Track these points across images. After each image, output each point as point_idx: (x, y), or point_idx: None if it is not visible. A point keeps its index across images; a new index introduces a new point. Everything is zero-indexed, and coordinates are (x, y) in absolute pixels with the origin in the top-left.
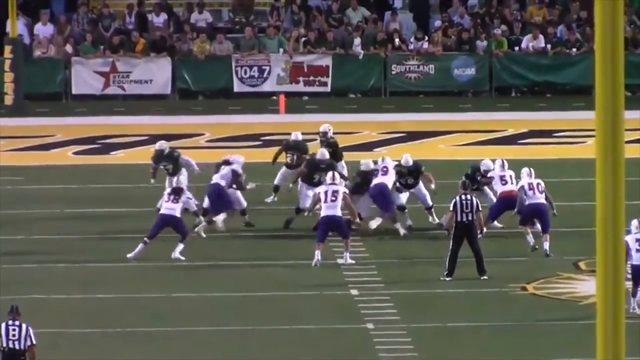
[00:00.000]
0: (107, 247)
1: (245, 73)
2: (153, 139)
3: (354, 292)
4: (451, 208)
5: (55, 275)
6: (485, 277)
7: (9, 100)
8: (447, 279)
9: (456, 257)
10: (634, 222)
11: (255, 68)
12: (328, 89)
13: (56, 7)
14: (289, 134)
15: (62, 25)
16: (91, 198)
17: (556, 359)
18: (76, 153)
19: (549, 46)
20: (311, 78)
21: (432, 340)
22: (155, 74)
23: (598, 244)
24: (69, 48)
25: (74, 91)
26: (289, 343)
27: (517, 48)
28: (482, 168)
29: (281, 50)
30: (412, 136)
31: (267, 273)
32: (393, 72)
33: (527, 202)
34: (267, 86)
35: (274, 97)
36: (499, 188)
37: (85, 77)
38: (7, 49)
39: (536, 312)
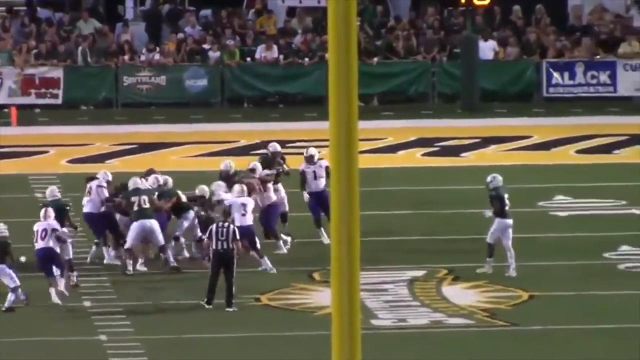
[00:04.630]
0: None
1: None
2: None
3: (87, 304)
4: (207, 236)
5: None
6: (231, 309)
7: None
8: (207, 306)
9: (215, 286)
10: (236, 187)
11: None
12: (59, 101)
13: None
14: (22, 146)
15: None
16: None
17: None
18: None
19: (282, 57)
20: (42, 90)
21: (166, 352)
22: None
23: (333, 254)
24: None
25: None
26: (21, 355)
27: (248, 58)
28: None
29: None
30: (144, 148)
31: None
32: (125, 84)
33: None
34: None
35: (6, 110)
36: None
37: None
38: None
39: (270, 323)
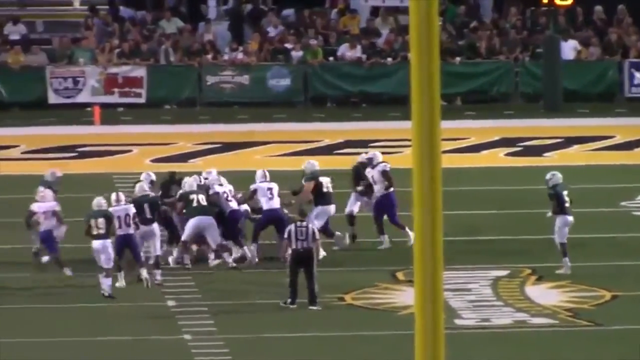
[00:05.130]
0: None
1: (60, 84)
2: None
3: (171, 303)
4: (285, 236)
5: None
6: (314, 308)
7: None
8: (291, 306)
9: (296, 285)
10: (259, 172)
11: (70, 79)
12: (143, 100)
13: None
14: (105, 144)
15: None
16: None
17: None
18: None
19: (364, 56)
20: (126, 89)
21: (249, 351)
22: None
23: (416, 254)
24: None
25: None
26: (105, 355)
27: (331, 58)
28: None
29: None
30: (228, 147)
31: (78, 285)
32: (208, 83)
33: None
34: (82, 97)
35: (89, 109)
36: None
37: None
38: None
39: (354, 322)
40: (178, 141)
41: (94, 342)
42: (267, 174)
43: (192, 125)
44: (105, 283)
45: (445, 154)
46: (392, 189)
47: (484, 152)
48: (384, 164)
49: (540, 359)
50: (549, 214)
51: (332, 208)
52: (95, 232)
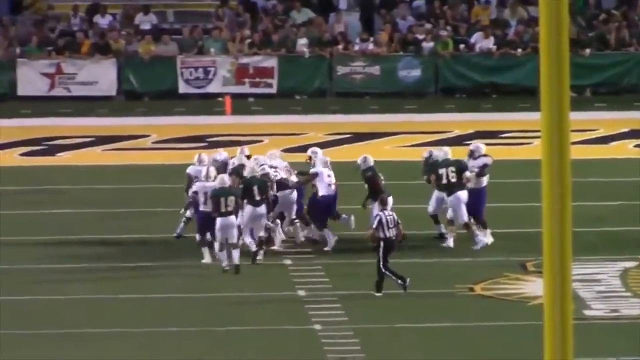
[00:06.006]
0: (56, 248)
1: (191, 74)
2: (99, 140)
3: (301, 293)
4: (375, 226)
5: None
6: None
7: None
8: (404, 290)
9: (393, 270)
10: (321, 158)
11: (201, 69)
12: (274, 90)
13: (1, 8)
14: (236, 135)
15: (7, 27)
16: (39, 200)
17: None
18: (23, 155)
19: (494, 47)
20: (257, 79)
21: (379, 341)
22: (100, 75)
23: (545, 244)
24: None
25: (20, 92)
26: (235, 344)
27: (462, 45)
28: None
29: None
30: (358, 137)
31: (208, 274)
32: (338, 73)
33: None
34: (213, 87)
35: (220, 99)
36: None
37: (31, 79)
38: None
39: (484, 313)
40: (308, 131)
41: (223, 331)
42: (329, 161)
43: (323, 116)
44: (235, 255)
45: (574, 145)
46: (485, 184)
47: (613, 143)
48: (487, 157)
49: None
50: None
51: (461, 195)
52: (223, 210)
